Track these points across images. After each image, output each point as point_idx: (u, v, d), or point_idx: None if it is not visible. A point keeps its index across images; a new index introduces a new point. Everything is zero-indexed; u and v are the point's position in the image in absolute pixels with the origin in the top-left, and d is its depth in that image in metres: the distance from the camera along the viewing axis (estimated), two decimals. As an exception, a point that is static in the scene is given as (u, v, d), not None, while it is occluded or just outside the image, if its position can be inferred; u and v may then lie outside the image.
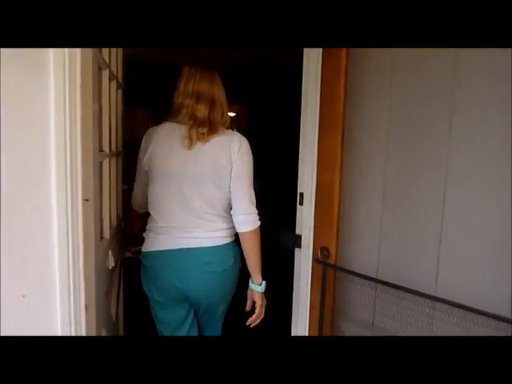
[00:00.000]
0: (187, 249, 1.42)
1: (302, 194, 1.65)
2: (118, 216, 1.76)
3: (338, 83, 1.48)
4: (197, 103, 1.43)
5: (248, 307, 1.52)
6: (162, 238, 1.45)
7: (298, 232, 1.68)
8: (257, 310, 1.50)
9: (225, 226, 1.48)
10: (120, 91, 1.79)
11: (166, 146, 1.43)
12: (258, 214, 1.46)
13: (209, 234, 1.44)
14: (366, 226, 1.47)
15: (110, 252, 1.40)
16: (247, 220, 1.43)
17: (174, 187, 1.41)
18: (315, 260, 1.58)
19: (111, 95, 1.52)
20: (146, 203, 1.53)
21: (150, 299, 1.55)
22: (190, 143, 1.39)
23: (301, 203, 1.66)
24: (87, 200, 1.00)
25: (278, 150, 6.59)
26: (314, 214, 1.58)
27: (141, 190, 1.56)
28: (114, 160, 1.60)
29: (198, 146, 1.40)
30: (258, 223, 1.45)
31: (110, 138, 1.49)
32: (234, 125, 8.84)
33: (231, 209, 1.46)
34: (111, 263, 1.41)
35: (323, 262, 1.54)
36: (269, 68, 5.53)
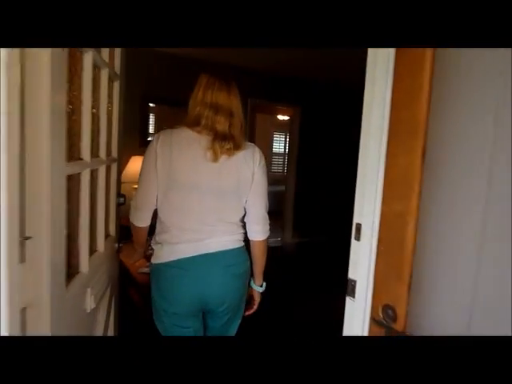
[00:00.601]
0: (206, 254, 1.44)
1: (358, 226, 1.23)
2: (107, 236, 1.45)
3: (419, 84, 1.04)
4: (216, 115, 1.41)
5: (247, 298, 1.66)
6: (178, 248, 1.44)
7: (351, 275, 1.26)
8: (255, 307, 1.68)
9: (239, 230, 1.56)
10: (116, 85, 1.48)
11: (189, 156, 1.40)
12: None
13: (226, 238, 1.48)
14: (453, 280, 1.01)
15: (88, 290, 1.07)
16: (262, 230, 1.56)
17: (195, 199, 1.41)
18: (374, 320, 1.15)
19: (101, 89, 1.21)
20: (150, 215, 1.48)
21: (161, 312, 1.50)
22: (215, 157, 1.38)
23: (357, 238, 1.24)
24: (26, 239, 0.66)
25: (332, 157, 6.13)
26: (377, 255, 1.14)
27: (150, 199, 1.45)
28: (102, 169, 1.29)
29: (223, 159, 1.41)
30: (269, 233, 1.61)
31: (96, 142, 1.17)
32: (288, 129, 8.51)
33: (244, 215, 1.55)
34: (90, 305, 1.08)
35: (386, 326, 1.10)
36: (323, 70, 5.15)
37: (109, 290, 1.49)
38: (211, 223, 1.45)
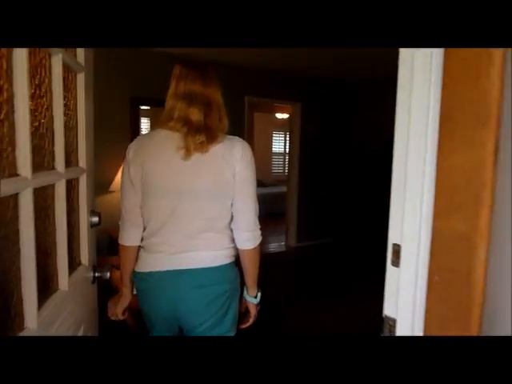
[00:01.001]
0: (177, 271, 1.30)
1: (396, 249, 0.93)
2: (78, 265, 1.16)
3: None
4: (189, 106, 1.27)
5: (242, 309, 1.48)
6: (151, 259, 1.34)
7: (388, 312, 0.96)
8: (251, 320, 1.47)
9: (225, 243, 1.36)
10: (81, 77, 1.20)
11: (160, 157, 1.28)
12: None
13: (209, 254, 1.32)
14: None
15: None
16: (251, 237, 1.35)
17: (169, 204, 1.28)
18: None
19: (53, 81, 0.92)
20: (137, 232, 1.35)
21: (145, 320, 1.45)
22: (187, 154, 1.24)
23: (395, 263, 0.94)
24: None
25: (335, 156, 5.83)
26: (428, 289, 0.85)
27: (131, 212, 1.33)
28: (60, 185, 0.99)
29: (196, 156, 1.26)
30: (261, 239, 1.39)
31: (49, 150, 0.88)
32: (287, 127, 8.22)
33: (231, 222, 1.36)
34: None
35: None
36: (324, 64, 4.86)
37: (81, 330, 1.19)
38: (192, 234, 1.30)
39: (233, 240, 1.37)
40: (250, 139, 5.82)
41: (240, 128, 5.12)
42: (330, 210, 6.09)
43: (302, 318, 3.30)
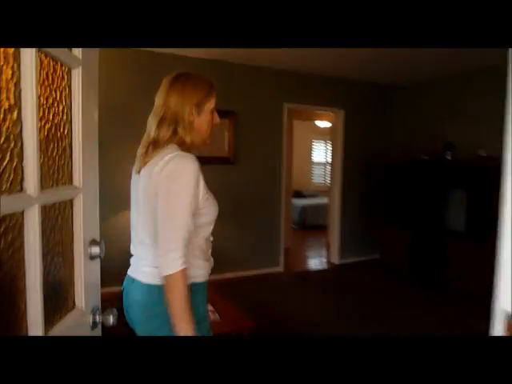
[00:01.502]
0: (128, 277, 1.36)
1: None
2: (71, 309, 0.90)
3: None
4: (151, 119, 1.30)
5: None
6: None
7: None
8: None
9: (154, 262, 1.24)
10: (76, 73, 0.95)
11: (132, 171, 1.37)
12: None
13: (141, 268, 1.30)
14: None
15: None
16: (163, 261, 1.16)
17: (131, 215, 1.37)
18: None
19: (24, 76, 0.67)
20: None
21: None
22: (137, 167, 1.31)
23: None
24: None
25: (380, 165, 5.38)
26: None
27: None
28: (32, 211, 0.73)
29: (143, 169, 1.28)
30: (179, 267, 1.14)
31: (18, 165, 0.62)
32: (328, 136, 7.82)
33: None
34: None
35: None
36: (368, 67, 4.50)
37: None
38: (135, 243, 1.35)
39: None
40: (288, 148, 5.52)
41: (278, 136, 4.85)
42: (376, 224, 5.64)
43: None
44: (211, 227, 1.34)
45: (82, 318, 1.05)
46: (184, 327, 1.13)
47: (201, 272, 1.31)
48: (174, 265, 1.13)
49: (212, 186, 4.49)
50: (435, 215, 4.89)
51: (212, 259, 1.40)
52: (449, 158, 4.36)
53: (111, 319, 1.10)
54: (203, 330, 1.29)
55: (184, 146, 1.27)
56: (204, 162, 4.41)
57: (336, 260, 5.44)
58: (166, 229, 1.16)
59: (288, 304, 3.85)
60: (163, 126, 1.25)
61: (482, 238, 3.95)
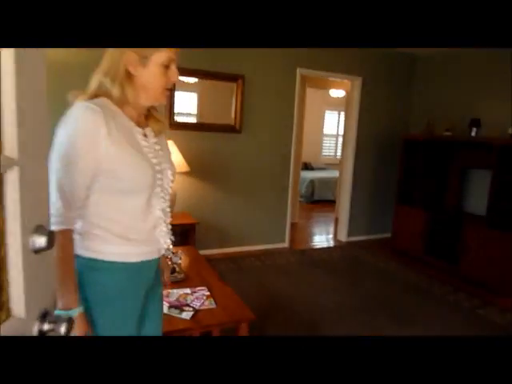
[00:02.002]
0: None
1: None
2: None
3: None
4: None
5: None
6: None
7: None
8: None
9: (78, 226, 1.11)
10: None
11: None
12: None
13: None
14: None
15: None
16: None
17: None
18: None
19: None
20: None
21: None
22: None
23: None
24: None
25: (397, 138, 5.02)
26: None
27: None
28: None
29: None
30: (52, 225, 0.97)
31: None
32: (341, 106, 7.40)
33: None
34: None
35: None
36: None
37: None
38: None
39: (87, 224, 1.11)
40: (300, 117, 5.17)
41: (289, 104, 4.49)
42: (389, 202, 5.35)
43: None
44: (137, 200, 1.12)
45: (21, 327, 0.79)
46: (59, 294, 1.03)
47: (112, 250, 1.12)
48: (52, 223, 0.98)
49: (216, 155, 4.16)
50: (455, 196, 4.58)
51: (156, 242, 1.20)
52: (474, 135, 4.00)
53: (64, 328, 0.85)
54: (115, 315, 1.16)
55: (117, 101, 1.09)
56: (206, 129, 4.06)
57: (343, 237, 5.19)
58: (50, 180, 0.98)
59: (290, 284, 3.64)
60: (95, 76, 1.10)
61: (504, 225, 3.66)
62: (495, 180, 3.65)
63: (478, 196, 4.42)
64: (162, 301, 1.39)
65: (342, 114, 8.72)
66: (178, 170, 3.62)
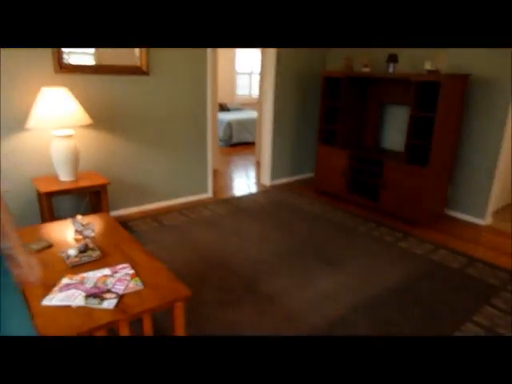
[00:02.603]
0: None
1: None
2: None
3: None
4: None
5: None
6: None
7: None
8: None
9: None
10: None
11: None
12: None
13: None
14: None
15: None
16: None
17: None
18: None
19: None
20: None
21: None
22: None
23: None
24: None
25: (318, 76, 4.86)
26: None
27: None
28: None
29: None
30: None
31: None
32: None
33: None
34: None
35: None
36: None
37: None
38: None
39: None
40: (213, 53, 4.69)
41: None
42: (311, 141, 5.30)
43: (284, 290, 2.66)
44: None
45: None
46: None
47: None
48: None
49: (123, 103, 3.51)
50: (374, 133, 4.65)
51: None
52: (391, 71, 3.97)
53: None
54: None
55: None
56: (107, 71, 3.38)
57: (267, 181, 5.09)
58: None
59: (220, 237, 3.46)
60: None
61: (421, 160, 3.80)
62: (412, 116, 3.71)
63: (396, 132, 4.53)
64: (16, 292, 1.13)
65: (258, 50, 8.29)
66: (77, 123, 3.09)
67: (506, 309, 2.53)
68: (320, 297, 2.60)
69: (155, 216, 3.89)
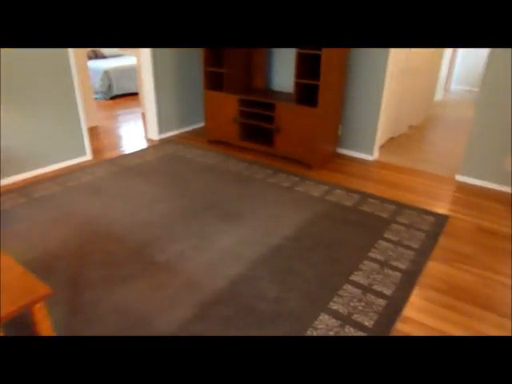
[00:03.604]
0: None
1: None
2: None
3: None
4: None
5: None
6: None
7: None
8: None
9: None
10: None
11: None
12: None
13: None
14: None
15: None
16: None
17: None
18: None
19: None
20: None
21: None
22: None
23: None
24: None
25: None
26: None
27: None
28: None
29: None
30: None
31: None
32: None
33: None
34: None
35: None
36: None
37: None
38: None
39: None
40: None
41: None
42: (199, 88, 4.90)
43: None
44: None
45: None
46: None
47: None
48: None
49: None
50: (264, 75, 4.42)
51: None
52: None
53: None
54: None
55: None
56: None
57: (155, 135, 4.63)
58: None
59: (104, 205, 3.04)
60: None
61: (311, 100, 3.71)
62: (300, 54, 3.54)
63: (286, 73, 4.36)
64: None
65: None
66: None
67: (396, 240, 2.65)
68: (220, 256, 2.42)
69: (22, 189, 3.27)
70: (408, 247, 2.57)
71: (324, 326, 1.90)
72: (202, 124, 5.14)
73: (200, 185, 3.43)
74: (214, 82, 4.32)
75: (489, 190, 3.55)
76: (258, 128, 4.23)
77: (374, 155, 4.13)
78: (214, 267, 2.32)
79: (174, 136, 4.77)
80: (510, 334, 1.93)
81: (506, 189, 3.51)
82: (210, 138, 4.53)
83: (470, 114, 6.69)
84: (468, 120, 6.29)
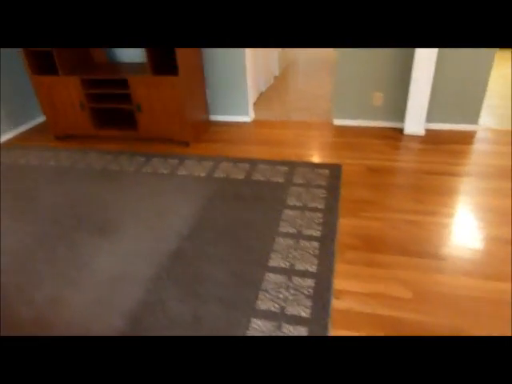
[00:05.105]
0: None
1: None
2: None
3: None
4: None
5: None
6: None
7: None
8: None
9: None
10: None
11: None
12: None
13: None
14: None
15: None
16: None
17: None
18: None
19: None
20: None
21: None
22: None
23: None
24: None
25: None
26: None
27: None
28: None
29: None
30: None
31: None
32: None
33: None
34: None
35: None
36: None
37: None
38: None
39: None
40: None
41: None
42: (23, 74, 3.91)
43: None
44: None
45: None
46: None
47: None
48: None
49: None
50: (102, 50, 3.68)
51: None
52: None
53: None
54: None
55: None
56: None
57: (-18, 144, 3.62)
58: None
59: None
60: None
61: (171, 69, 3.19)
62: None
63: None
64: None
65: None
66: None
67: (301, 205, 2.45)
68: (107, 286, 1.90)
69: None
70: (315, 209, 2.39)
71: (260, 333, 1.60)
72: (42, 118, 4.21)
73: (57, 197, 2.72)
74: (44, 65, 3.45)
75: (365, 128, 3.58)
76: (115, 111, 3.57)
77: (251, 115, 3.85)
78: (103, 303, 1.81)
79: (7, 140, 3.79)
80: (429, 273, 1.88)
81: (378, 123, 3.58)
82: (56, 133, 3.69)
83: (332, 53, 6.85)
84: (330, 59, 6.40)
